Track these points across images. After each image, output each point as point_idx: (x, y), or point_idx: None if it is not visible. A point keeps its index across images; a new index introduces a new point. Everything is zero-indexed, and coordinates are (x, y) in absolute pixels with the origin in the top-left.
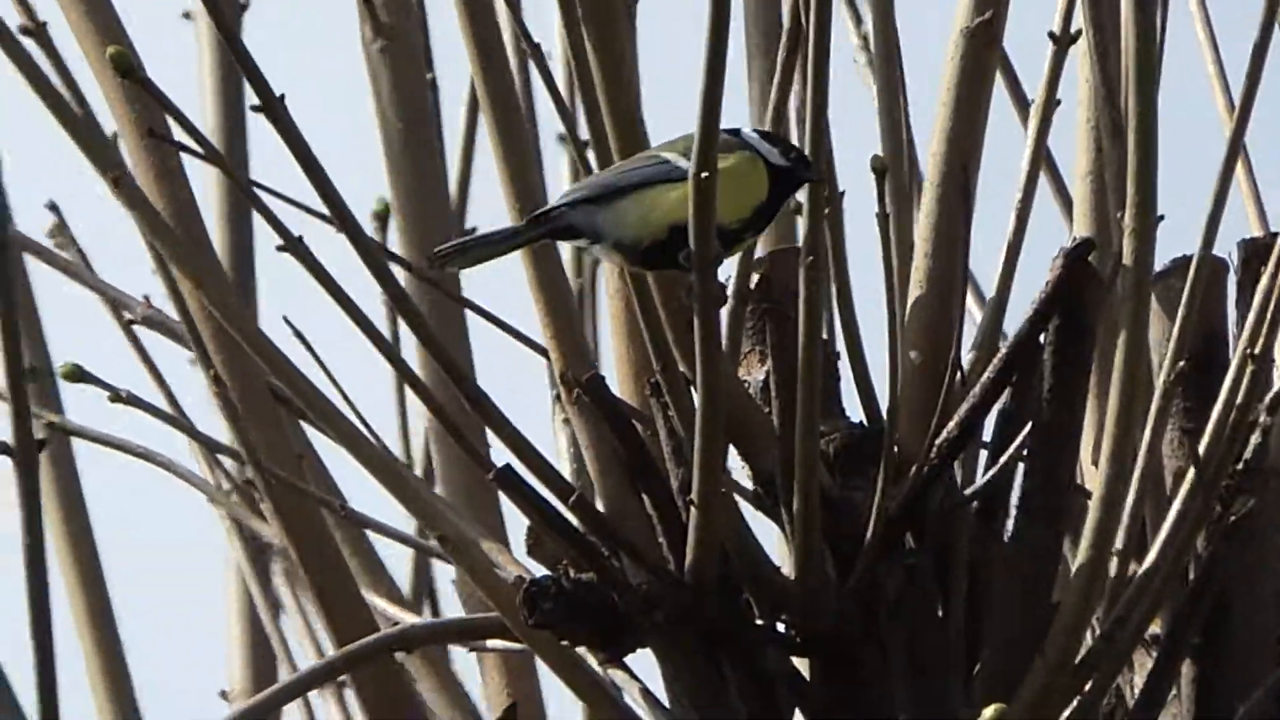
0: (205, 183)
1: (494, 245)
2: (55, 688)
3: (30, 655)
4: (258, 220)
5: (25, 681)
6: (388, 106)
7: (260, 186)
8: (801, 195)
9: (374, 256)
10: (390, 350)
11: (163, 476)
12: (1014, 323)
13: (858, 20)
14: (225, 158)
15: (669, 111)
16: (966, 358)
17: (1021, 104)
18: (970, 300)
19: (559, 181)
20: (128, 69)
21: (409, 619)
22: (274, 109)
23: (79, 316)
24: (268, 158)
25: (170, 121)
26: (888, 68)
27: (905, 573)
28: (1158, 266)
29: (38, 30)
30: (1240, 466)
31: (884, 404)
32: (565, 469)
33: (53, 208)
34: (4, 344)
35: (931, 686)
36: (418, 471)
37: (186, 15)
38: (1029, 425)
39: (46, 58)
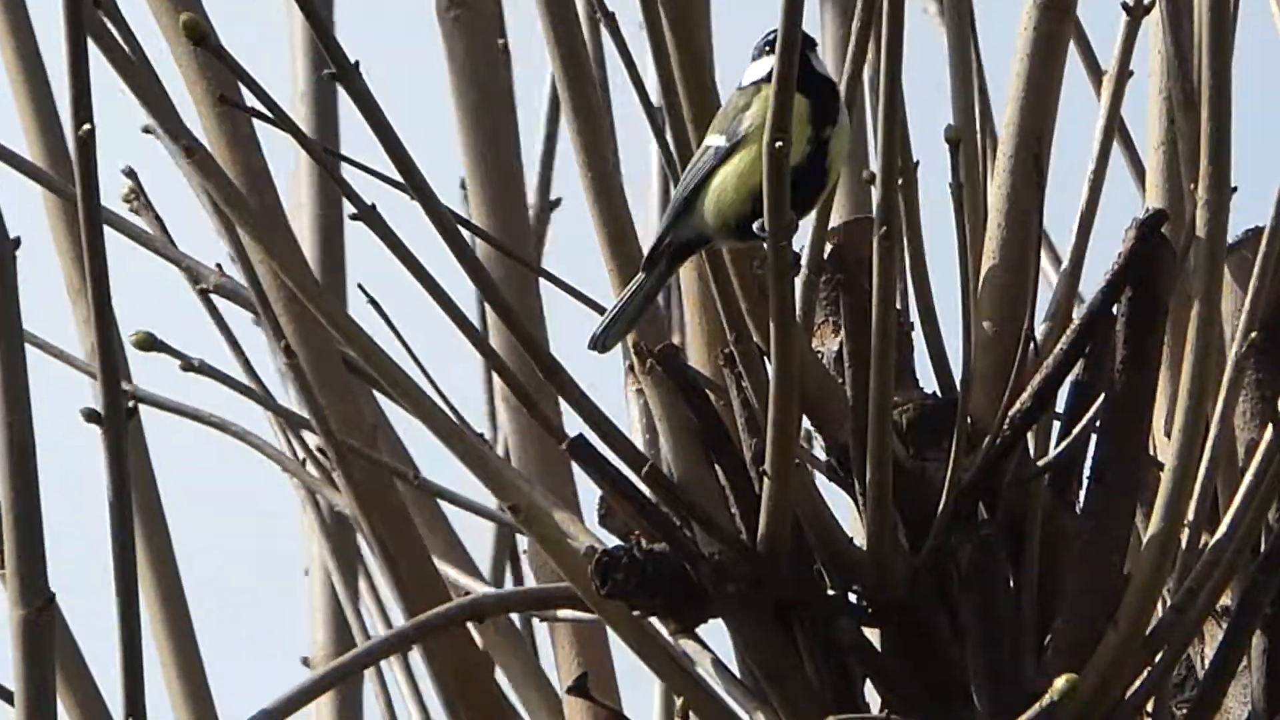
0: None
1: (634, 307)
2: (141, 670)
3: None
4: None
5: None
6: (462, 76)
7: (335, 154)
8: (875, 165)
9: (449, 225)
10: (465, 320)
11: (238, 446)
12: (1088, 293)
13: None
14: (296, 124)
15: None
16: (1040, 328)
17: (1095, 74)
18: (1044, 270)
19: (636, 145)
20: (200, 36)
21: (481, 589)
22: (349, 76)
23: (154, 284)
24: (357, 129)
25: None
26: (961, 37)
27: (978, 543)
28: (1230, 238)
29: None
30: None
31: (957, 374)
32: (638, 439)
33: (130, 174)
34: (95, 315)
35: (1003, 656)
36: (491, 441)
37: None
38: (1102, 397)
39: (115, 28)
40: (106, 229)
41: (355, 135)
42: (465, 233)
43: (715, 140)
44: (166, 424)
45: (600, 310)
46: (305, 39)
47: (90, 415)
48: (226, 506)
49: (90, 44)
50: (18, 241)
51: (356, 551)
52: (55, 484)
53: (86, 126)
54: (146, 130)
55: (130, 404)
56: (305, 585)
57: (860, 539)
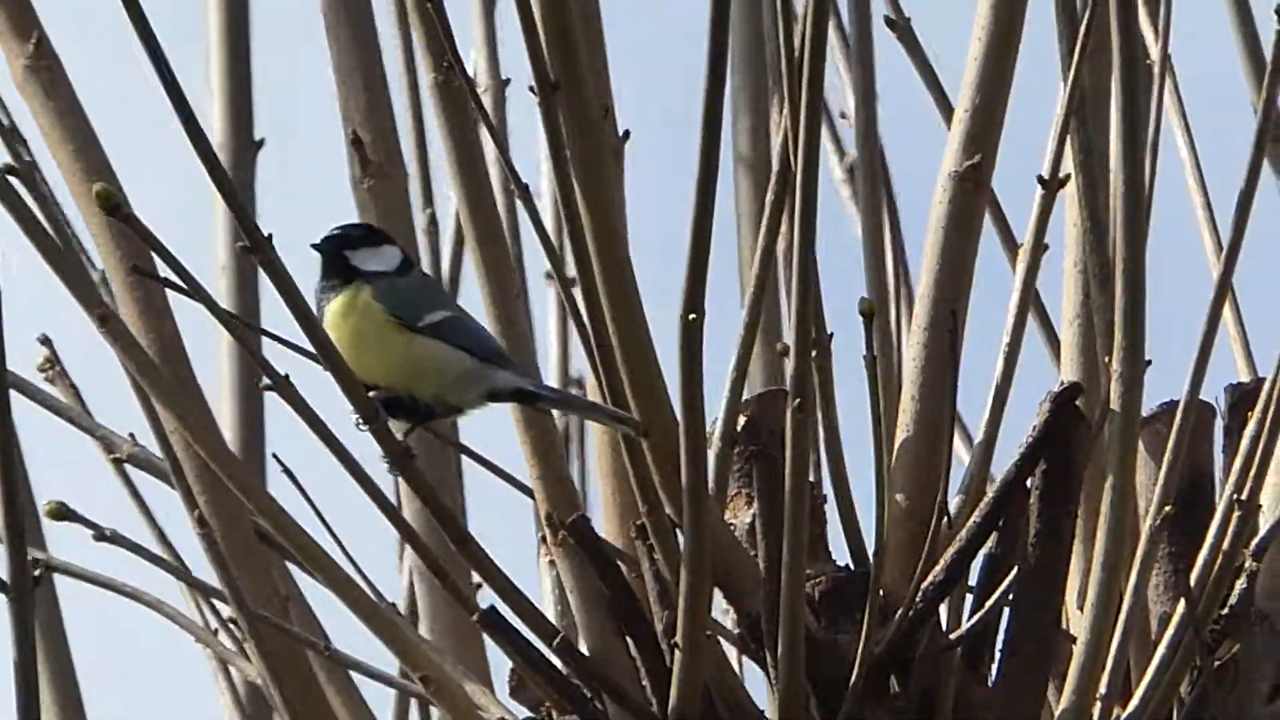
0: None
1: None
2: None
3: None
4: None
5: None
6: None
7: (249, 325)
8: (788, 337)
9: (361, 398)
10: (378, 492)
11: (153, 614)
12: (1001, 466)
13: (841, 154)
14: (209, 294)
15: (658, 250)
16: (953, 501)
17: (1010, 246)
18: (958, 443)
19: (545, 318)
20: (113, 206)
21: None
22: (262, 249)
23: (72, 450)
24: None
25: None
26: (875, 209)
27: (890, 715)
28: (1145, 411)
29: (25, 170)
30: (1225, 611)
31: (870, 547)
32: (550, 611)
33: (45, 341)
34: (3, 484)
35: None
36: (402, 610)
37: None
38: (1015, 569)
39: (31, 197)
40: (21, 397)
41: (276, 308)
42: None
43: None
44: (81, 591)
45: (513, 481)
46: (227, 210)
47: None
48: (141, 675)
49: (2, 210)
50: None
51: None
52: None
53: None
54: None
55: (38, 573)
56: None
57: (772, 711)
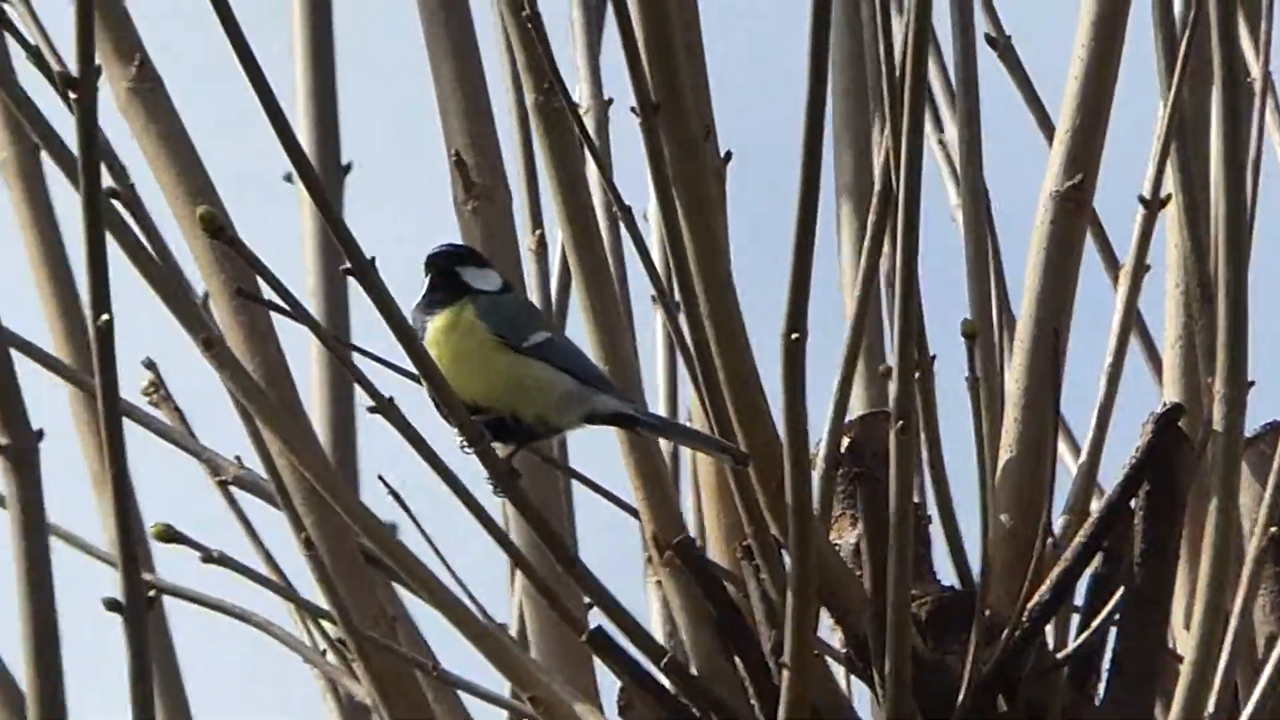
0: (312, 345)
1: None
2: None
3: None
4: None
5: None
6: None
7: (350, 345)
8: (891, 359)
9: (466, 421)
10: (484, 514)
11: (257, 635)
12: (1106, 486)
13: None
14: (313, 317)
15: (761, 271)
16: (1058, 521)
17: (1112, 266)
18: (1063, 462)
19: (653, 344)
20: (217, 229)
21: None
22: (365, 272)
23: (178, 473)
24: (369, 324)
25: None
26: (978, 230)
27: None
28: (1249, 431)
29: (127, 194)
30: None
31: (976, 567)
32: (657, 631)
33: (150, 365)
34: (115, 505)
35: None
36: (511, 632)
37: (288, 178)
38: (1121, 589)
39: (134, 220)
40: (127, 421)
41: (366, 329)
42: None
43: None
44: (190, 612)
45: (619, 503)
46: (316, 234)
47: (111, 604)
48: (249, 696)
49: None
50: (41, 434)
51: None
52: (78, 673)
53: (105, 317)
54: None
55: (151, 593)
56: None
57: None
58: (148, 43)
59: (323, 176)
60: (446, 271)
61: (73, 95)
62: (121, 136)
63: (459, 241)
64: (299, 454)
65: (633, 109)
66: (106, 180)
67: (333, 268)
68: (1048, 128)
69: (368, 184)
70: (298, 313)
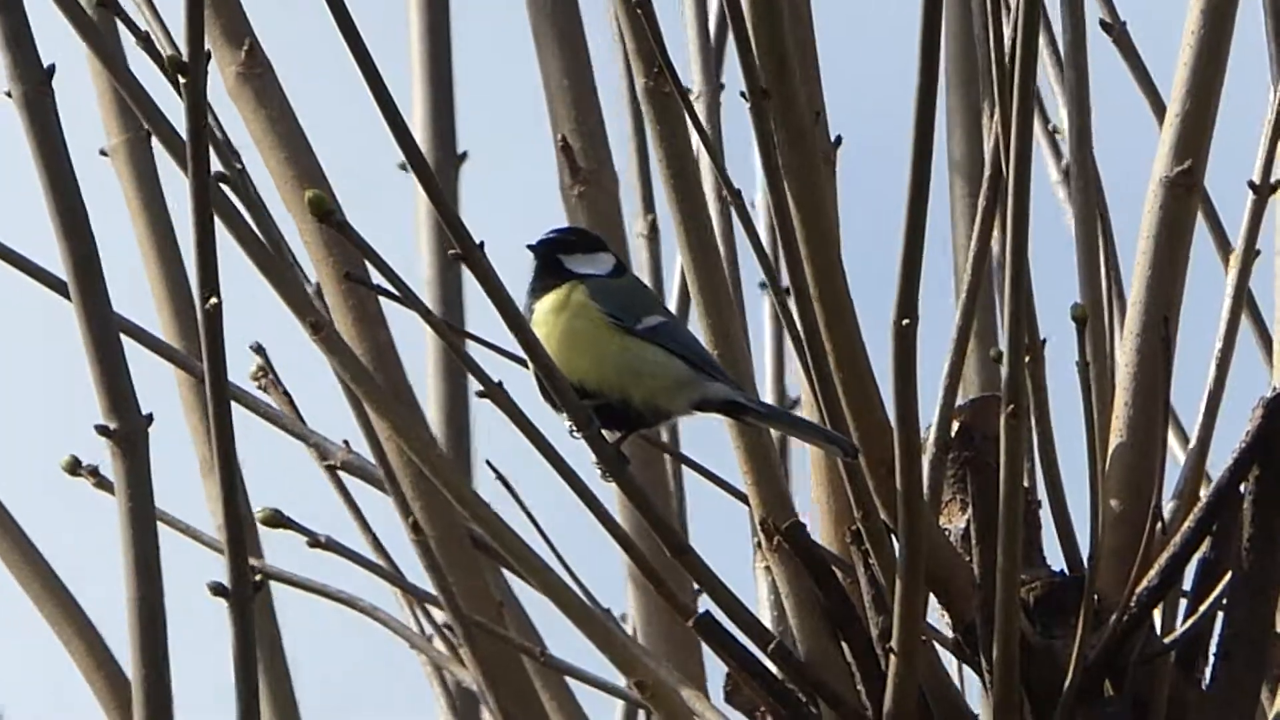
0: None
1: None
2: None
3: None
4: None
5: None
6: None
7: (460, 331)
8: (1002, 343)
9: (575, 403)
10: (593, 499)
11: (362, 620)
12: (1215, 471)
13: (1058, 157)
14: (421, 301)
15: (870, 255)
16: (1167, 506)
17: (1223, 250)
18: (1173, 447)
19: (761, 332)
20: (325, 213)
21: None
22: (473, 257)
23: (285, 458)
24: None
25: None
26: (1088, 213)
27: None
28: None
29: (234, 176)
30: None
31: (1085, 552)
32: (765, 616)
33: (258, 350)
34: (222, 490)
35: None
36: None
37: (403, 167)
38: (1229, 574)
39: (243, 204)
40: (236, 406)
41: (480, 317)
42: None
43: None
44: (297, 599)
45: (728, 487)
46: (430, 222)
47: (217, 589)
48: (355, 681)
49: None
50: (150, 418)
51: None
52: (185, 658)
53: (213, 300)
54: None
55: (258, 578)
56: None
57: (986, 716)
58: (260, 29)
59: (439, 166)
60: (549, 258)
61: (182, 80)
62: (232, 121)
63: (569, 225)
64: (407, 438)
65: (742, 94)
66: (216, 165)
67: (446, 255)
68: (1161, 113)
69: (483, 172)
70: (406, 296)
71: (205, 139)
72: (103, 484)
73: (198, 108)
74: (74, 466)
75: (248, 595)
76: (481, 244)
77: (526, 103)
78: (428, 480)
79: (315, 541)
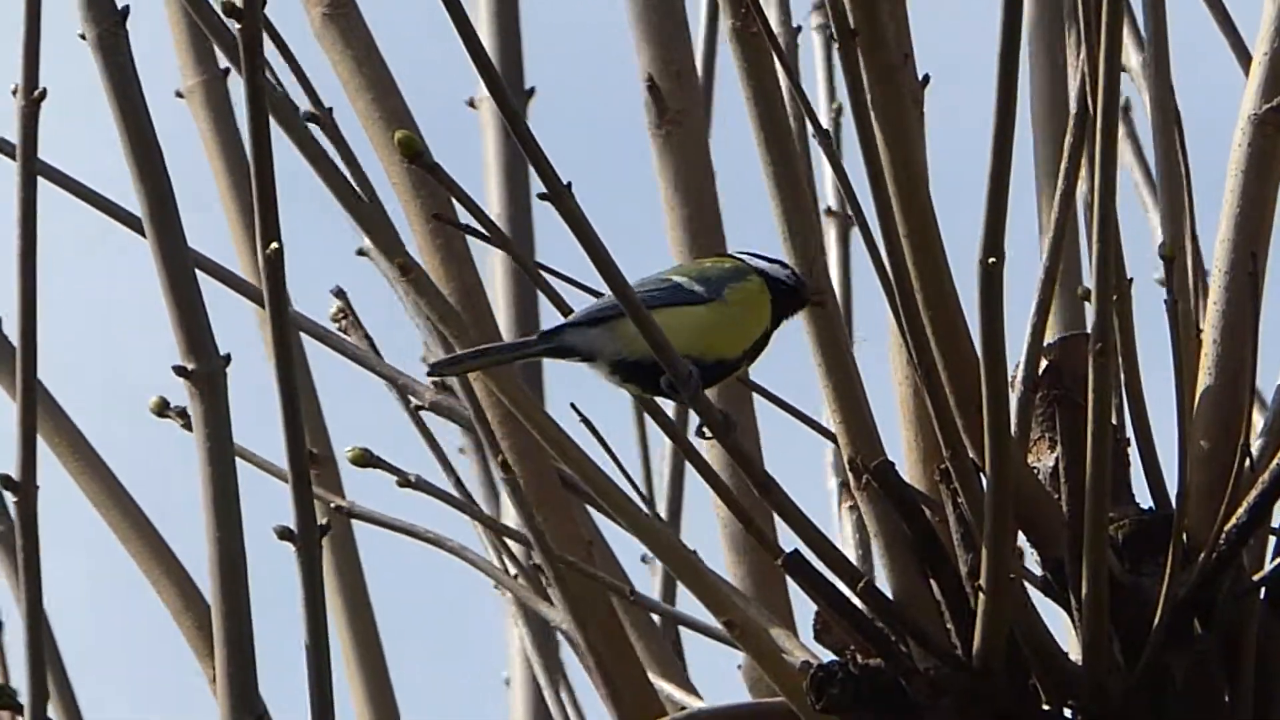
0: (491, 270)
1: (493, 356)
2: None
3: None
4: (543, 305)
5: None
6: (673, 193)
7: (546, 268)
8: (1090, 282)
9: (662, 342)
10: (680, 437)
11: (445, 560)
12: None
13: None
14: (510, 240)
15: (958, 194)
16: (1256, 444)
17: None
18: (1260, 386)
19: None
20: (415, 154)
21: (696, 704)
22: (562, 198)
23: (364, 401)
24: (550, 241)
25: (456, 206)
26: (1171, 153)
27: (1193, 658)
28: None
29: (324, 117)
30: None
31: (1173, 490)
32: (851, 554)
33: (339, 293)
34: (286, 432)
35: None
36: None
37: (471, 103)
38: None
39: (332, 144)
40: (322, 347)
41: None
42: None
43: (682, 280)
44: (380, 538)
45: (816, 426)
46: (500, 161)
47: (284, 533)
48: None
49: (305, 162)
50: (228, 358)
51: (559, 665)
52: (264, 598)
53: (274, 245)
54: (360, 253)
55: (324, 521)
56: (505, 696)
57: (1075, 654)
58: None
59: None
60: None
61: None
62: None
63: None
64: (496, 379)
65: (830, 35)
66: (304, 105)
67: (517, 194)
68: (1243, 53)
69: (547, 108)
70: (495, 236)
71: (261, 79)
72: (190, 425)
73: (252, 46)
74: (162, 408)
75: (313, 537)
76: (569, 184)
77: (591, 40)
78: (515, 421)
79: (405, 481)
